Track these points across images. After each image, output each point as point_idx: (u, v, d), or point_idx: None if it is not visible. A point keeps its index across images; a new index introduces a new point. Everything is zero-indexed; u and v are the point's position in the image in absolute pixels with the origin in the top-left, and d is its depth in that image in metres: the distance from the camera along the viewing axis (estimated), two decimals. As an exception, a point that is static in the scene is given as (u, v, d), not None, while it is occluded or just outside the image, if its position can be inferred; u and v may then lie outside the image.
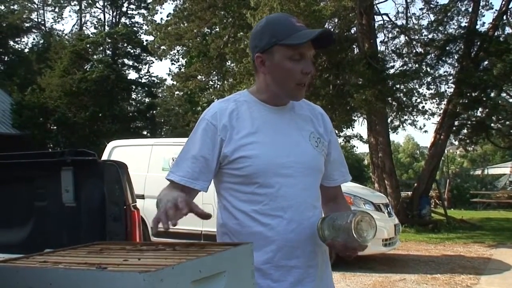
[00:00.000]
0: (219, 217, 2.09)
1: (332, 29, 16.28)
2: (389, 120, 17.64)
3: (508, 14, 16.99)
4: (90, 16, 43.28)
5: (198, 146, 2.00)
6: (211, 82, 24.35)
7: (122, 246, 1.70)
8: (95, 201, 3.16)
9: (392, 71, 16.75)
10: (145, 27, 33.93)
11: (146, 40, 31.40)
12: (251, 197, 1.96)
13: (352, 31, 17.34)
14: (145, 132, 33.46)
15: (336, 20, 16.65)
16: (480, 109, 17.30)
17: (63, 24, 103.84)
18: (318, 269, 2.04)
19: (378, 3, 18.29)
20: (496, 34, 16.83)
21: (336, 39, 15.33)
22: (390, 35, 18.39)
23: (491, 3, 18.84)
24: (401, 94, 16.39)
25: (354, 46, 17.26)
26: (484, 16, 44.86)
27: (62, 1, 42.04)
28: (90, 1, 41.53)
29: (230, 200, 1.99)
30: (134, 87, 34.92)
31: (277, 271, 1.94)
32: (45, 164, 3.33)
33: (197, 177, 1.96)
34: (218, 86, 23.71)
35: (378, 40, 17.65)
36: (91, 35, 37.06)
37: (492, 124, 17.38)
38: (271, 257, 1.93)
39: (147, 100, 35.39)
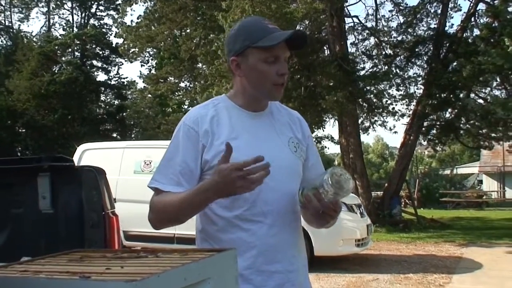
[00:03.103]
0: (198, 222, 2.06)
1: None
2: (359, 121, 17.81)
3: (476, 16, 17.28)
4: (59, 17, 42.64)
5: (181, 152, 1.98)
6: (182, 84, 24.24)
7: (103, 253, 1.66)
8: (72, 208, 3.10)
9: (362, 72, 16.94)
10: (114, 28, 33.65)
11: (117, 43, 31.16)
12: (232, 203, 1.94)
13: (323, 33, 17.45)
14: (114, 135, 33.18)
15: (307, 22, 16.74)
16: (449, 110, 17.56)
17: (28, 26, 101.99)
18: (299, 274, 2.03)
19: (349, 5, 18.50)
20: (464, 35, 17.12)
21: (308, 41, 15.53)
22: (360, 37, 18.65)
23: (459, 5, 19.14)
24: (372, 96, 16.58)
25: (325, 48, 17.39)
26: (452, 18, 45.67)
27: (29, 3, 41.36)
28: (58, 3, 40.96)
29: (211, 206, 1.96)
30: (103, 89, 34.67)
31: (259, 276, 1.93)
32: (21, 170, 3.27)
33: (182, 184, 1.94)
34: (190, 88, 23.63)
35: (348, 42, 17.86)
36: (59, 37, 36.59)
37: (461, 125, 17.63)
38: (252, 262, 1.92)
39: (116, 102, 35.08)
